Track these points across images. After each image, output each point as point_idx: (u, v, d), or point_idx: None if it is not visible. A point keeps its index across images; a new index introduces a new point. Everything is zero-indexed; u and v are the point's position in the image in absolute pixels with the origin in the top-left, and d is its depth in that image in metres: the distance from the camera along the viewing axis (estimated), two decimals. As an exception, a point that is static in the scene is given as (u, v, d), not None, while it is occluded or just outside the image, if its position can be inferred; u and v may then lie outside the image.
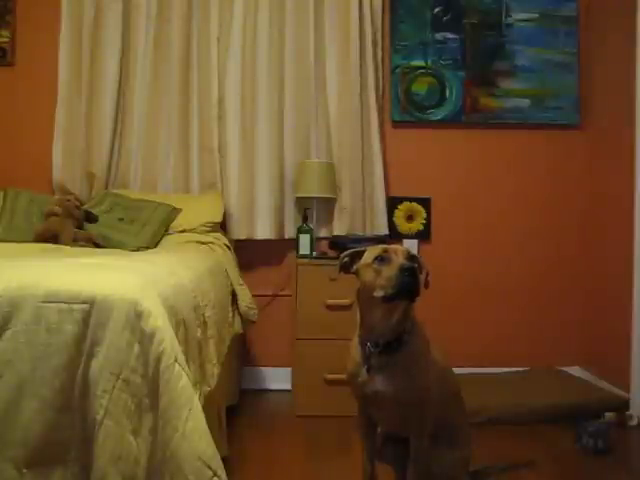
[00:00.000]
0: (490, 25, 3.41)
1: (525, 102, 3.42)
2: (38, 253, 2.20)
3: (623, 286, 2.96)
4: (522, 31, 3.41)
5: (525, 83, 3.41)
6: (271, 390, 3.26)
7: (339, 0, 3.30)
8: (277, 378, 3.22)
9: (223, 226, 3.23)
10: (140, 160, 3.28)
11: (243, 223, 3.27)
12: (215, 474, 1.35)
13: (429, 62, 3.39)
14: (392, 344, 1.60)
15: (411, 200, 3.39)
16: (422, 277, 1.65)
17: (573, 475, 2.26)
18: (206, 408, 1.51)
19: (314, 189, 3.13)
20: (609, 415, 2.73)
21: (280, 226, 3.30)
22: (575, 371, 3.36)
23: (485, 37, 3.41)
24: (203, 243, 2.84)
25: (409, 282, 1.50)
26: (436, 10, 3.38)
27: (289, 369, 3.08)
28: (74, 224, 2.68)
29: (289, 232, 3.31)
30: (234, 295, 2.68)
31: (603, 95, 3.32)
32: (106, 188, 3.23)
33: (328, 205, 3.34)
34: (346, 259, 1.68)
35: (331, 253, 3.10)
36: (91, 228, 2.75)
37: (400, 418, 1.69)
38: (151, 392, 1.38)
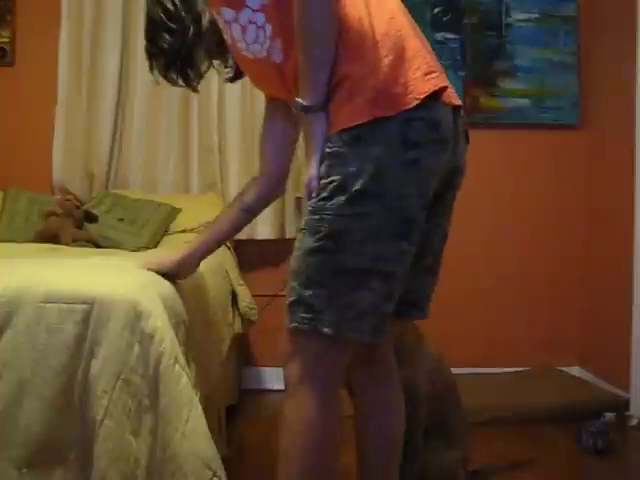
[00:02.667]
0: (490, 25, 3.40)
1: (525, 102, 3.41)
2: (38, 253, 2.20)
3: (623, 286, 2.96)
4: (522, 31, 3.41)
5: (525, 83, 3.41)
6: (271, 390, 3.26)
7: None
8: (277, 378, 3.19)
9: (223, 226, 3.22)
10: (140, 160, 3.27)
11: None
12: (215, 474, 1.35)
13: (429, 62, 3.39)
14: None
15: (411, 200, 3.39)
16: None
17: (573, 475, 2.27)
18: (206, 408, 1.51)
19: (314, 189, 3.12)
20: (609, 415, 2.73)
21: (280, 226, 3.30)
22: (575, 371, 3.36)
23: (485, 37, 3.41)
24: (203, 243, 2.84)
25: None
26: (436, 10, 3.38)
27: (289, 369, 3.07)
28: (74, 224, 2.68)
29: (289, 232, 3.31)
30: (234, 295, 2.68)
31: (603, 95, 3.32)
32: (106, 188, 3.22)
33: (328, 205, 3.33)
34: None
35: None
36: (91, 228, 2.75)
37: None
38: (151, 392, 1.38)
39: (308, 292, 1.19)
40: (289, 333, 1.28)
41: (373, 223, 1.16)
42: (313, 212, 1.19)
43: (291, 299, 1.23)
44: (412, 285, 1.34)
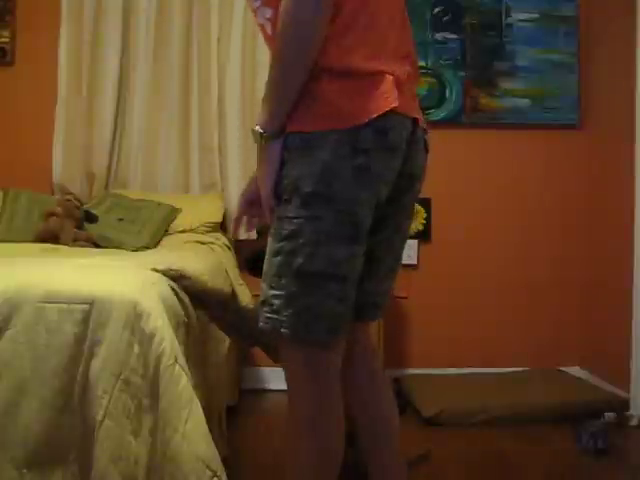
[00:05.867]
0: (490, 25, 3.41)
1: (525, 102, 3.41)
2: (38, 253, 2.20)
3: (623, 286, 2.95)
4: (522, 31, 3.41)
5: (525, 83, 3.41)
6: (271, 390, 3.26)
7: (339, 0, 3.30)
8: (277, 378, 3.21)
9: (223, 226, 3.23)
10: (140, 160, 3.27)
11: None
12: (215, 475, 1.35)
13: (429, 62, 3.39)
14: None
15: (411, 200, 3.39)
16: None
17: (573, 475, 2.26)
18: (206, 408, 1.51)
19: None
20: (609, 415, 2.73)
21: (280, 226, 3.30)
22: (575, 371, 3.36)
23: (485, 37, 3.41)
24: (203, 243, 2.84)
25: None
26: (436, 10, 3.38)
27: (289, 369, 3.07)
28: (74, 224, 2.68)
29: (289, 232, 3.30)
30: (234, 295, 2.68)
31: (603, 95, 3.32)
32: (106, 188, 3.22)
33: (328, 205, 3.33)
34: None
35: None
36: (91, 228, 2.75)
37: None
38: (151, 393, 1.38)
39: (271, 292, 1.24)
40: (278, 347, 1.32)
41: (325, 226, 1.20)
42: (276, 217, 1.25)
43: (260, 299, 1.28)
44: (377, 288, 1.40)
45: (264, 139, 1.22)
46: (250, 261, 1.81)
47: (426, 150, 1.40)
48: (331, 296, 1.23)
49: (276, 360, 2.00)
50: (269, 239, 1.27)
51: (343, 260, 1.22)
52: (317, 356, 1.27)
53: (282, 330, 1.22)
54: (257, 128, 1.23)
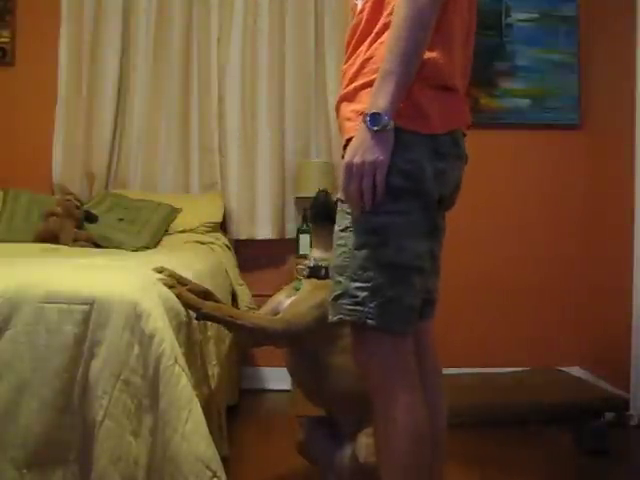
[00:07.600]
0: (490, 25, 3.40)
1: (525, 102, 3.41)
2: (38, 253, 2.20)
3: (623, 287, 2.95)
4: (522, 31, 3.41)
5: (525, 83, 3.41)
6: (271, 390, 3.26)
7: (339, 0, 3.30)
8: (277, 378, 3.21)
9: (223, 226, 3.23)
10: (140, 160, 3.27)
11: (243, 223, 3.26)
12: (215, 475, 1.35)
13: (429, 62, 3.38)
14: (320, 270, 1.81)
15: (411, 200, 3.38)
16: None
17: (573, 475, 2.26)
18: (206, 408, 1.51)
19: (314, 189, 3.12)
20: (609, 415, 2.73)
21: (280, 226, 3.30)
22: (575, 371, 3.36)
23: (485, 37, 3.40)
24: (203, 243, 2.85)
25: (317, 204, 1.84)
26: (436, 10, 3.38)
27: (289, 369, 3.07)
28: (74, 224, 2.68)
29: (289, 232, 3.31)
30: (234, 295, 2.68)
31: (603, 95, 3.32)
32: (106, 188, 3.22)
33: (328, 205, 3.33)
34: None
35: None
36: (91, 228, 2.75)
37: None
38: (151, 393, 1.38)
39: (354, 284, 1.25)
40: (353, 340, 1.32)
41: (413, 220, 1.26)
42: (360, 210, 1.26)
43: (336, 293, 1.28)
44: (436, 285, 1.46)
45: (383, 125, 1.19)
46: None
47: (466, 161, 1.47)
48: (413, 288, 1.27)
49: None
50: (344, 233, 1.28)
51: (424, 253, 1.28)
52: (401, 344, 1.29)
53: (368, 321, 1.24)
54: (381, 112, 1.19)
